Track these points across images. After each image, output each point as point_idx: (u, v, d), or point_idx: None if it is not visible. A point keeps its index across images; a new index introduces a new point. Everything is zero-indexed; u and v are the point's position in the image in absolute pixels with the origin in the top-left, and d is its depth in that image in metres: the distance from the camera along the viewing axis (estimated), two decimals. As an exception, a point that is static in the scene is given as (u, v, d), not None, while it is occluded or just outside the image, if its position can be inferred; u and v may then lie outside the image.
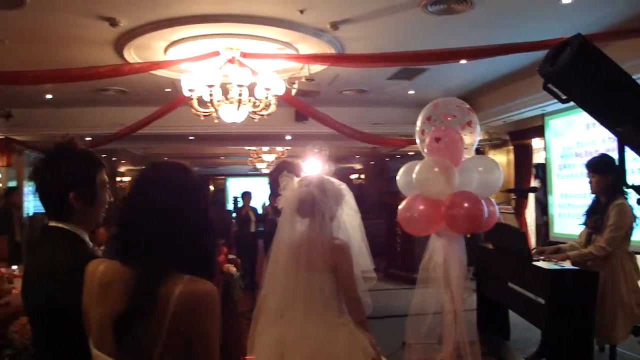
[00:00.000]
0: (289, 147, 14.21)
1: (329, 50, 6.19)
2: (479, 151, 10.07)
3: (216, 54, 6.08)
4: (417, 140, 3.74)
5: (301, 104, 7.30)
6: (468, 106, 3.76)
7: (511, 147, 10.92)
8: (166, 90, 8.30)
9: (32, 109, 9.76)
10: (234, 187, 19.35)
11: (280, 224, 3.35)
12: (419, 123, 3.72)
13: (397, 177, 3.81)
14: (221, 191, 26.62)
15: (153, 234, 1.63)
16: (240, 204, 11.98)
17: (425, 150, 3.58)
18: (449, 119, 3.55)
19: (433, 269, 3.51)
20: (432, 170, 3.38)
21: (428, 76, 8.04)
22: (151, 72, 6.97)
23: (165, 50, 6.33)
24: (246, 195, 11.53)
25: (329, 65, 6.67)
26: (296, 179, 3.39)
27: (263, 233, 9.86)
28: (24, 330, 3.77)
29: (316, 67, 6.89)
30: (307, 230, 3.24)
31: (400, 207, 3.58)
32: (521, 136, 10.43)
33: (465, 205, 3.30)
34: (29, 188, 11.83)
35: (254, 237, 10.80)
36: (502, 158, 11.18)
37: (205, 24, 5.58)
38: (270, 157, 15.05)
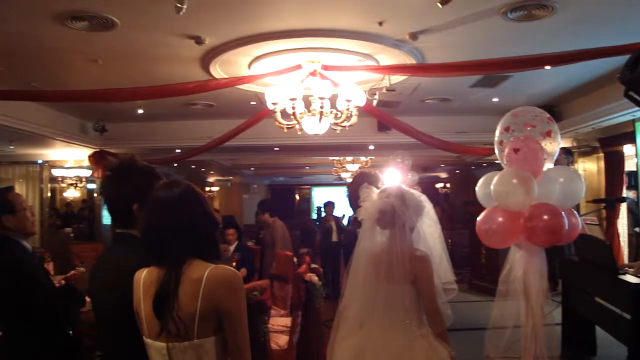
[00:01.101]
0: (372, 157, 14.26)
1: (409, 60, 6.19)
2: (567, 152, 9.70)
3: (298, 67, 6.20)
4: (496, 151, 3.69)
5: (382, 115, 7.33)
6: (548, 115, 3.68)
7: (601, 154, 10.46)
8: (251, 103, 8.52)
9: (124, 123, 10.30)
10: (319, 197, 19.50)
11: (361, 235, 3.40)
12: (497, 134, 3.67)
13: (477, 189, 3.77)
14: (306, 200, 26.91)
15: (170, 235, 2.03)
16: (323, 214, 12.09)
17: (505, 161, 3.53)
18: (528, 129, 3.49)
19: (513, 282, 3.45)
20: (510, 181, 3.33)
21: (512, 83, 7.88)
22: (236, 86, 7.20)
23: (249, 65, 6.51)
24: (329, 205, 11.61)
25: (409, 76, 6.68)
26: (376, 190, 3.43)
27: (342, 243, 9.92)
28: None
29: (397, 77, 6.91)
30: (387, 241, 3.28)
31: (478, 218, 3.54)
32: (611, 143, 9.96)
33: (545, 217, 3.23)
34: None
35: (337, 247, 10.87)
36: (592, 166, 10.77)
37: (288, 39, 5.71)
38: (354, 167, 15.11)
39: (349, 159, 14.79)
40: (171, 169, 15.48)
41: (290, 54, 6.12)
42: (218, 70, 6.62)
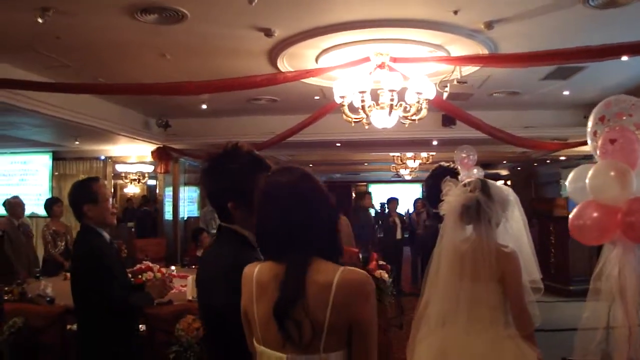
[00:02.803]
0: (433, 153, 13.95)
1: (482, 50, 5.97)
2: None
3: (367, 60, 6.07)
4: (589, 142, 3.48)
5: (452, 108, 7.15)
6: (646, 104, 3.44)
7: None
8: (315, 98, 8.42)
9: (187, 118, 10.35)
10: (376, 194, 19.33)
11: (443, 231, 3.26)
12: (590, 124, 3.46)
13: (567, 183, 3.57)
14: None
15: (290, 230, 1.77)
16: (386, 211, 11.97)
17: (598, 153, 3.32)
18: (624, 118, 3.27)
19: (606, 281, 3.25)
20: (607, 174, 3.12)
21: (586, 75, 7.56)
22: (302, 80, 7.12)
23: (317, 58, 6.42)
24: (392, 202, 11.49)
25: (481, 67, 6.46)
26: (459, 184, 3.30)
27: (420, 239, 9.75)
28: (190, 329, 3.95)
29: (467, 69, 6.68)
30: (472, 237, 3.13)
31: (571, 215, 3.34)
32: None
33: (645, 212, 3.02)
34: (184, 194, 12.54)
35: (400, 244, 10.71)
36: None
37: (357, 30, 5.58)
38: (415, 164, 14.86)
39: (409, 155, 14.51)
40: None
41: (358, 46, 5.98)
42: (285, 64, 6.54)
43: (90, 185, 3.51)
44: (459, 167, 4.04)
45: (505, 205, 3.24)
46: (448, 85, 6.30)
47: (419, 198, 12.93)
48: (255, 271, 1.83)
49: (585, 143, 9.58)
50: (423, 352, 3.18)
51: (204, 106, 8.91)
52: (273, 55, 6.27)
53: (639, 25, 5.38)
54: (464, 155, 7.92)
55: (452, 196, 3.23)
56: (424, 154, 14.31)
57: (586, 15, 5.20)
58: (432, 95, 5.95)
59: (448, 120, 9.70)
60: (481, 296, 3.03)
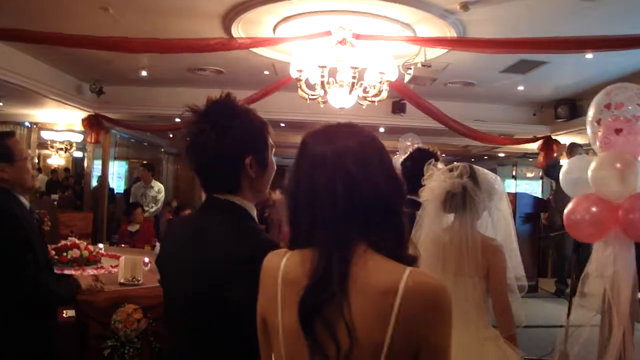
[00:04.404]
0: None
1: (451, 33, 5.68)
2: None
3: (328, 33, 5.69)
4: (588, 130, 3.22)
5: (410, 93, 6.85)
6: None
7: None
8: (265, 72, 7.97)
9: (124, 86, 9.65)
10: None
11: (422, 219, 2.94)
12: (591, 112, 3.19)
13: (560, 175, 3.33)
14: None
15: (338, 206, 1.22)
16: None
17: (598, 144, 3.06)
18: (630, 107, 3.02)
19: (596, 280, 3.02)
20: (613, 166, 2.86)
21: (543, 71, 7.49)
22: (253, 51, 6.69)
23: (275, 28, 5.96)
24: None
25: (449, 50, 6.16)
26: (444, 168, 2.98)
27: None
28: (129, 320, 3.45)
29: (431, 53, 6.40)
30: (455, 227, 2.83)
31: (567, 209, 3.08)
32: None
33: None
34: (113, 168, 11.85)
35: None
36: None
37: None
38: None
39: None
40: (165, 139, 14.86)
41: (320, 17, 5.59)
42: (239, 31, 6.03)
43: (3, 141, 2.87)
44: (439, 152, 3.72)
45: (492, 195, 2.94)
46: (412, 67, 5.97)
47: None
48: (282, 264, 1.31)
49: (532, 140, 9.51)
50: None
51: (144, 72, 8.29)
52: (228, 19, 5.74)
53: (613, 20, 5.23)
54: (408, 143, 7.82)
55: (436, 182, 2.91)
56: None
57: (564, 5, 4.99)
58: (394, 76, 5.63)
59: (398, 107, 9.46)
60: (464, 292, 2.75)
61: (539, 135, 9.58)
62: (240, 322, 1.46)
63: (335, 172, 1.24)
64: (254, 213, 1.70)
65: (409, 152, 6.50)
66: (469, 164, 2.98)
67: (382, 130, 10.82)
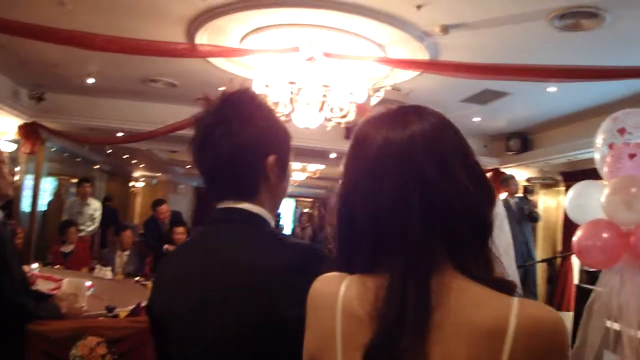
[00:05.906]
0: (322, 167, 13.33)
1: (424, 56, 5.58)
2: (527, 190, 9.55)
3: (296, 49, 5.50)
4: (597, 156, 3.11)
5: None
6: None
7: (562, 188, 10.21)
8: (219, 89, 7.65)
9: (67, 94, 9.06)
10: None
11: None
12: (601, 137, 3.08)
13: (567, 201, 3.20)
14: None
15: (409, 220, 0.94)
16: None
17: (605, 169, 2.95)
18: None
19: (604, 309, 2.88)
20: (628, 191, 2.74)
21: (503, 103, 7.53)
22: (213, 64, 6.51)
23: (242, 39, 5.69)
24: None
25: (421, 72, 6.02)
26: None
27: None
28: (92, 356, 3.03)
29: (398, 78, 6.28)
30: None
31: (577, 235, 2.94)
32: (576, 177, 9.75)
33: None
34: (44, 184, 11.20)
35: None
36: (552, 200, 10.56)
37: (297, 8, 4.94)
38: (302, 176, 14.17)
39: (297, 166, 13.47)
40: (102, 155, 14.16)
41: (291, 30, 5.34)
42: (204, 39, 5.69)
43: None
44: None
45: (494, 217, 2.74)
46: (382, 90, 5.82)
47: (305, 211, 12.41)
48: (342, 292, 1.01)
49: (486, 171, 9.55)
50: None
51: (92, 80, 7.80)
52: (194, 25, 5.39)
53: (593, 53, 5.26)
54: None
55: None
56: (311, 167, 13.60)
57: (543, 35, 4.97)
58: (363, 98, 5.47)
59: (351, 133, 9.28)
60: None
61: (488, 167, 9.61)
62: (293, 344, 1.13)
63: (408, 172, 0.98)
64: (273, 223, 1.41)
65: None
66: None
67: (333, 155, 10.65)
